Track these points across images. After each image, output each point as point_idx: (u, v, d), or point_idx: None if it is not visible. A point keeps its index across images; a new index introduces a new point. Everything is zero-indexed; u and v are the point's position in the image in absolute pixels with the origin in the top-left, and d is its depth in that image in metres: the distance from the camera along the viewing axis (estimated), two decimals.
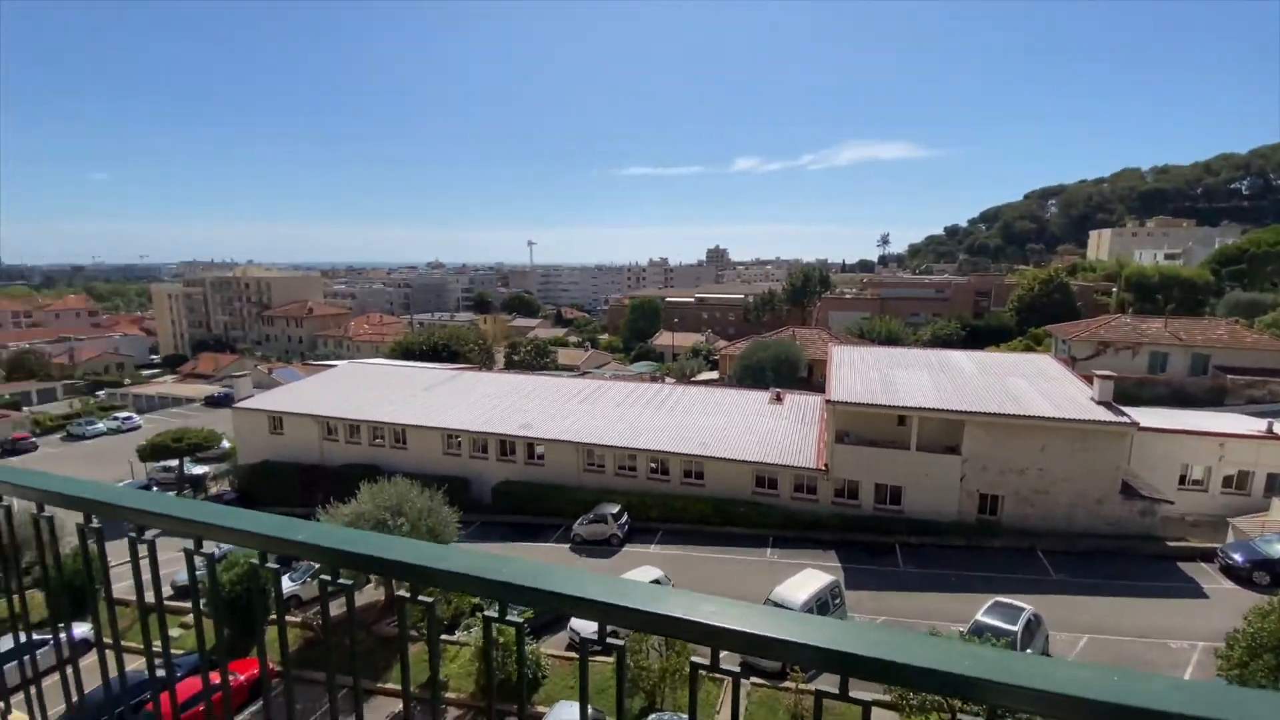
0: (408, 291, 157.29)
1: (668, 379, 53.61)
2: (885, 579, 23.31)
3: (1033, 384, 28.27)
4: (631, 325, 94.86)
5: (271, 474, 35.31)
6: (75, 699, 2.40)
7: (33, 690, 2.39)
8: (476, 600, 18.46)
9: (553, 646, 18.68)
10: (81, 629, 16.53)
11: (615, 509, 27.52)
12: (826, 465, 27.83)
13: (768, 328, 75.53)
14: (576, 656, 1.49)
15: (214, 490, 37.20)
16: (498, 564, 1.39)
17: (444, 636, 19.28)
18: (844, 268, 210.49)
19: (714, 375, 57.38)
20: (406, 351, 62.79)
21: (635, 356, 79.14)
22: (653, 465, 30.55)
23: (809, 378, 48.14)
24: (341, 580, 1.69)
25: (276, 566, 1.86)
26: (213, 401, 61.81)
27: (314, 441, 35.69)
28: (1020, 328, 68.61)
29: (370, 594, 23.18)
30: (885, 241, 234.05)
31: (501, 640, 14.10)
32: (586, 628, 1.24)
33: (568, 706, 15.36)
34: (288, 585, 22.07)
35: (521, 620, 1.47)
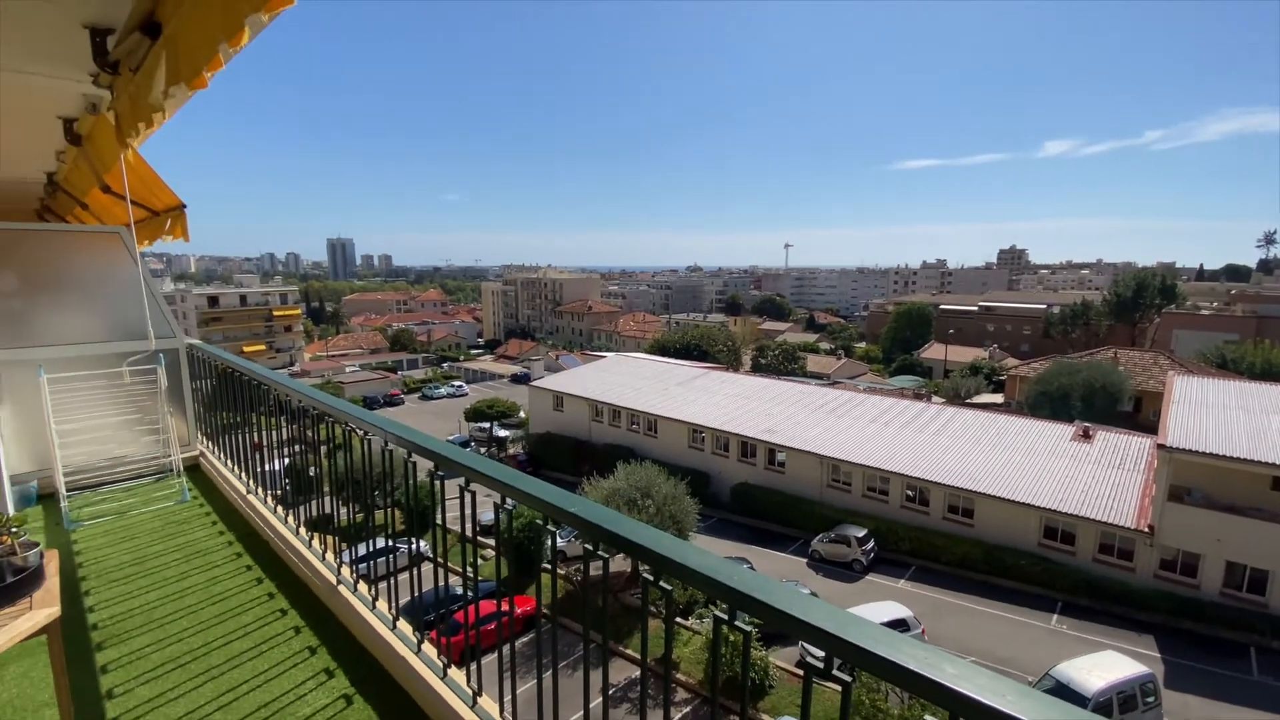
0: (668, 293, 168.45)
1: (935, 398, 47.86)
2: (1227, 687, 17.56)
3: None
4: (894, 334, 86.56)
5: (552, 444, 41.28)
6: (415, 595, 3.24)
7: (391, 582, 3.30)
8: None
9: (784, 659, 18.32)
10: (423, 544, 21.71)
11: (861, 532, 25.67)
12: (1151, 527, 21.87)
13: (1078, 347, 62.47)
14: (802, 676, 1.46)
15: (511, 451, 44.81)
16: (729, 569, 1.47)
17: (679, 620, 20.35)
18: (1200, 274, 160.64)
19: (997, 399, 49.59)
20: (663, 348, 67.75)
21: (896, 369, 72.16)
22: (909, 493, 27.65)
23: (1135, 414, 38.74)
24: (600, 553, 1.97)
25: (553, 529, 2.25)
26: (516, 379, 74.52)
27: (585, 421, 40.76)
28: None
29: (620, 562, 25.63)
30: (1270, 240, 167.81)
31: (731, 638, 14.33)
32: (816, 650, 1.22)
33: None
34: (559, 540, 25.61)
35: (750, 628, 1.51)
